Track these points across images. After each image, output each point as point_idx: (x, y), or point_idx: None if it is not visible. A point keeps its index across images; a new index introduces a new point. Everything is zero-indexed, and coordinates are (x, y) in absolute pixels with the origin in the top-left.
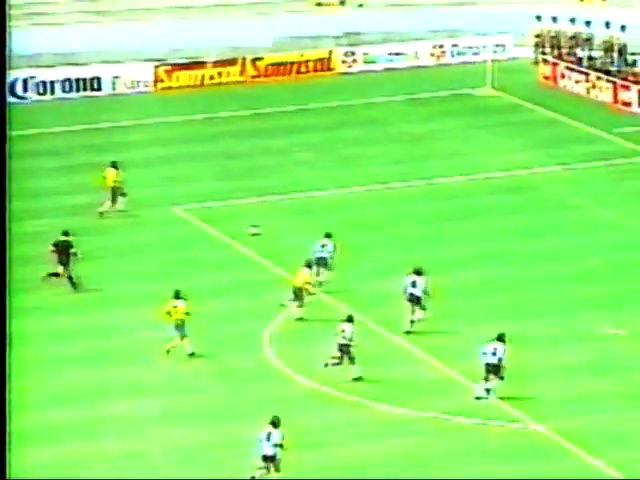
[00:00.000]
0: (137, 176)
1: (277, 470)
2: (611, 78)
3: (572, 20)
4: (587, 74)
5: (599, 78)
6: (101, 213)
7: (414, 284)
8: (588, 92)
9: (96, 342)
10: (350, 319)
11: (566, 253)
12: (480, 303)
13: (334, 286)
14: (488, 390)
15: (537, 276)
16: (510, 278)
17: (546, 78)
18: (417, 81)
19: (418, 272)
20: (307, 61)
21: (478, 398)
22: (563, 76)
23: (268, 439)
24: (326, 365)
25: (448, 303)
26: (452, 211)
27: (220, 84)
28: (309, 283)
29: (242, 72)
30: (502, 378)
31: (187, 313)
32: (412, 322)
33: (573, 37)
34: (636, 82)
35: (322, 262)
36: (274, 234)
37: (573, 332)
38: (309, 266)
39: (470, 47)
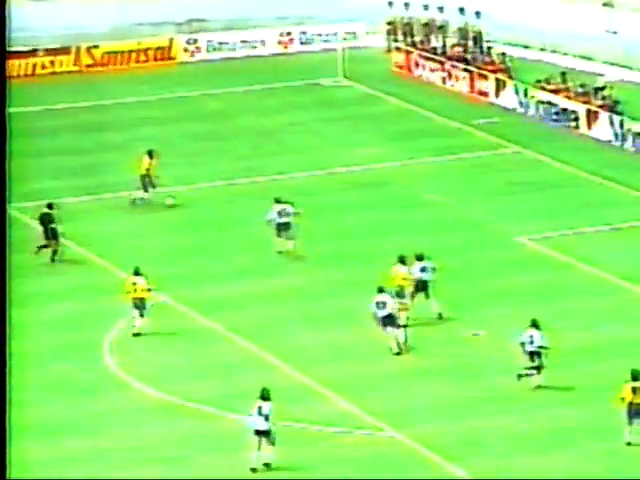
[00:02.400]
0: None
1: (272, 444)
2: (467, 67)
3: (425, 6)
4: (442, 63)
5: (454, 67)
6: (134, 200)
7: (383, 305)
8: (444, 81)
9: None
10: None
11: (423, 252)
12: (337, 304)
13: (178, 289)
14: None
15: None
16: (363, 279)
17: (399, 67)
18: (264, 71)
19: (382, 290)
20: (146, 49)
21: (520, 376)
22: (417, 65)
23: (260, 413)
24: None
25: (300, 305)
26: (302, 208)
27: (53, 74)
28: (406, 279)
29: (76, 61)
30: (541, 367)
31: (148, 289)
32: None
33: (427, 24)
34: (493, 71)
35: (284, 228)
36: (113, 235)
37: (432, 335)
38: (402, 262)
39: (319, 35)
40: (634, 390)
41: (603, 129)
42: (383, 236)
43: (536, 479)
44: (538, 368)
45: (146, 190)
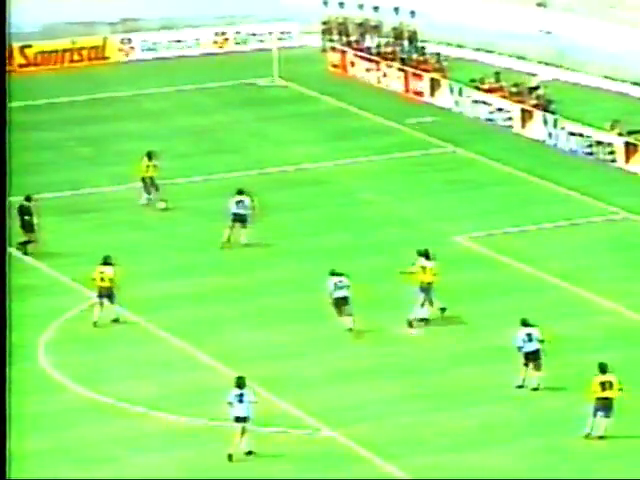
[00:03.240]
0: None
1: (243, 433)
2: (402, 67)
3: (360, 6)
4: (377, 62)
5: (390, 66)
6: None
7: (340, 285)
8: (379, 81)
9: None
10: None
11: (358, 250)
12: (273, 303)
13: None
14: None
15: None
16: (300, 277)
17: (335, 67)
18: (200, 70)
19: (334, 273)
20: (80, 49)
21: (520, 387)
22: (353, 64)
23: (240, 401)
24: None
25: (236, 304)
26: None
27: None
28: (437, 274)
29: (9, 61)
30: (539, 367)
31: (111, 279)
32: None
33: (361, 24)
34: (427, 70)
35: (239, 219)
36: (48, 235)
37: (367, 333)
38: (427, 257)
39: (254, 34)
40: (602, 385)
41: (537, 128)
42: (320, 235)
43: (473, 478)
44: (537, 367)
45: (149, 192)
